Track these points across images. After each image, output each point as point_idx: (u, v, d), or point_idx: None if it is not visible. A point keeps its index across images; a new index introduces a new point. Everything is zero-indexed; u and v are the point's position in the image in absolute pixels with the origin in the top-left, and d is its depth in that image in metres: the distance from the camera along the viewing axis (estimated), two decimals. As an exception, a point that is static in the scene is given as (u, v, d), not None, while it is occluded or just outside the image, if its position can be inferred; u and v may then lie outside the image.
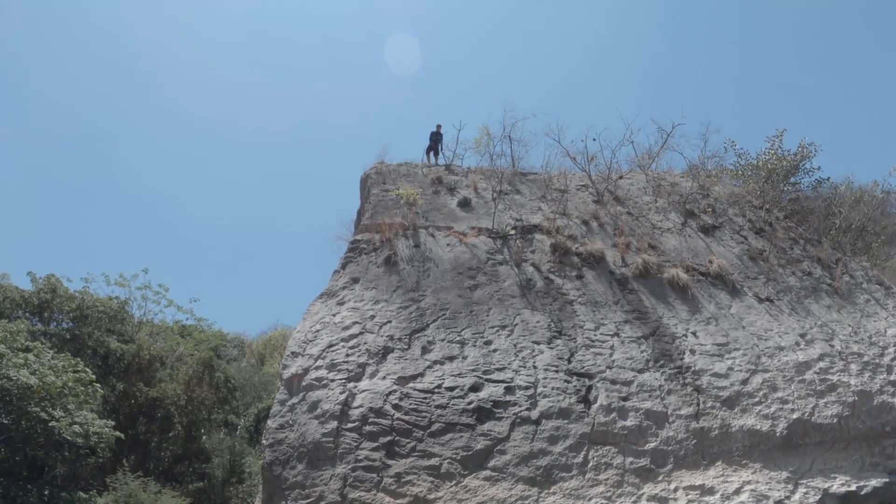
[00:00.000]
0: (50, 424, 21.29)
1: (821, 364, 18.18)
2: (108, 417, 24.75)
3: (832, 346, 18.99)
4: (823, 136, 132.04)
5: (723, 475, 14.90)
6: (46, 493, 22.19)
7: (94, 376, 24.31)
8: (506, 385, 15.78)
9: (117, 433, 23.69)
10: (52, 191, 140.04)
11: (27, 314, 29.76)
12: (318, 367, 15.93)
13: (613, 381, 16.42)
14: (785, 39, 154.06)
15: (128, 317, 35.44)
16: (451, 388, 15.47)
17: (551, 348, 17.12)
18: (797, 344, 18.80)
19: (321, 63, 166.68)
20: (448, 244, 20.44)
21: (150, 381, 31.51)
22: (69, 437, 21.62)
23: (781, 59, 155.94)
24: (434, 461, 14.09)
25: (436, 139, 27.58)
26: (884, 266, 29.85)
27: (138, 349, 31.75)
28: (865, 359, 18.80)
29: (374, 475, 13.75)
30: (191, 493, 28.66)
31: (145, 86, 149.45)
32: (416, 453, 14.18)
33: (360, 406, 14.85)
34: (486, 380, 15.85)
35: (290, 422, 15.01)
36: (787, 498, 14.57)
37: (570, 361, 16.87)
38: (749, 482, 14.77)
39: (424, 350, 16.51)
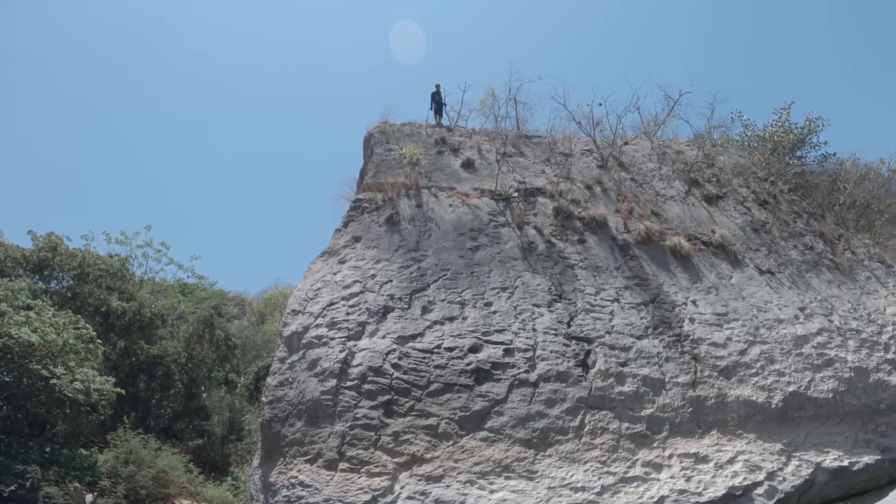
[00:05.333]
0: (51, 382, 21.36)
1: (819, 338, 18.19)
2: (108, 375, 24.81)
3: (831, 322, 18.99)
4: (831, 110, 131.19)
5: (717, 444, 14.97)
6: (48, 450, 22.34)
7: (94, 333, 24.36)
8: (505, 347, 15.82)
9: (118, 390, 23.78)
10: (51, 149, 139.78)
11: (28, 272, 29.78)
12: (318, 326, 15.99)
13: (612, 347, 16.46)
14: (796, 12, 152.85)
15: (129, 275, 35.49)
16: (450, 349, 15.52)
17: (551, 311, 17.14)
18: (796, 317, 18.81)
19: (326, 47, 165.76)
20: (450, 205, 20.40)
21: (150, 339, 31.61)
22: (70, 395, 21.69)
23: (792, 31, 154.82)
24: (432, 421, 14.16)
25: (437, 99, 27.44)
26: (886, 244, 29.75)
27: (139, 307, 31.80)
28: (863, 336, 18.80)
29: (373, 433, 13.84)
30: (191, 449, 28.90)
31: (153, 51, 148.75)
32: (414, 412, 14.26)
33: (360, 364, 14.91)
34: (486, 341, 15.89)
35: (290, 379, 15.10)
36: (780, 470, 14.63)
37: (569, 325, 16.90)
38: (743, 452, 14.83)
39: (424, 310, 16.54)
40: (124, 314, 31.09)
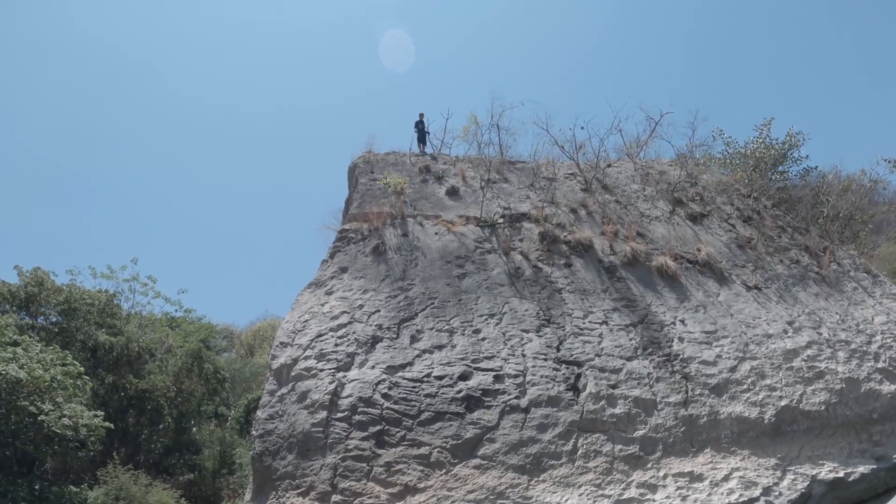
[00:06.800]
0: (39, 418, 21.15)
1: (808, 351, 18.26)
2: (97, 410, 24.58)
3: (820, 334, 19.07)
4: (811, 124, 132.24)
5: (711, 462, 14.95)
6: (37, 487, 22.09)
7: (82, 369, 24.14)
8: (495, 373, 15.78)
9: (107, 424, 23.56)
10: (35, 184, 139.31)
11: (14, 308, 29.53)
12: (307, 357, 15.92)
13: (602, 369, 16.45)
14: (773, 28, 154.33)
15: (116, 309, 35.25)
16: (440, 377, 15.48)
17: (540, 336, 17.13)
18: (785, 331, 18.87)
19: (315, 59, 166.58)
20: (436, 233, 20.43)
21: (139, 374, 31.35)
22: (59, 431, 21.46)
23: (770, 48, 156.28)
24: (424, 450, 14.08)
25: (420, 128, 27.62)
26: (871, 254, 30.01)
27: (127, 341, 31.55)
28: (853, 346, 18.88)
29: (364, 464, 13.73)
30: (181, 485, 28.60)
31: (133, 76, 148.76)
32: (405, 442, 14.17)
33: (350, 395, 14.83)
34: (475, 368, 15.86)
35: (280, 412, 14.99)
36: (776, 484, 14.63)
37: (558, 349, 16.89)
38: (737, 469, 14.82)
39: (413, 339, 16.51)
40: (112, 349, 30.85)
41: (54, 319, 30.58)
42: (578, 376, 16.23)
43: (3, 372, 20.42)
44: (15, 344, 22.89)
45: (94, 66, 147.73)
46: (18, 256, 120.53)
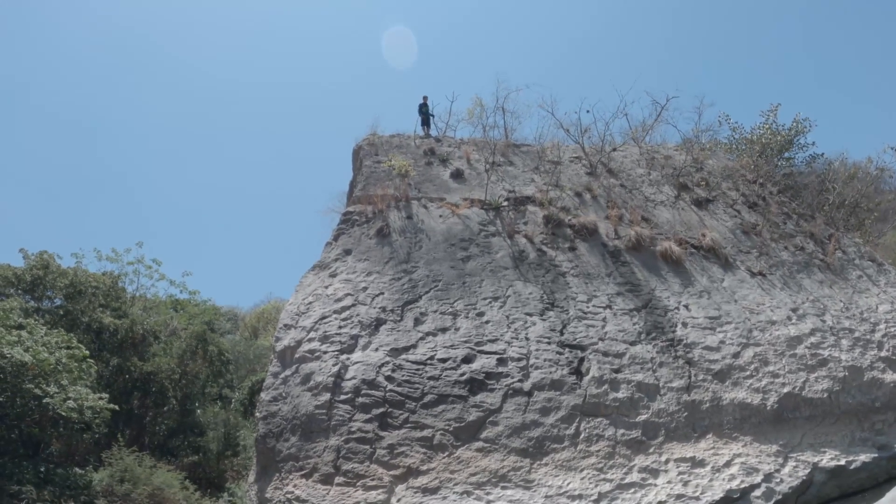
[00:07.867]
0: (44, 401, 21.16)
1: (812, 339, 18.22)
2: (102, 393, 24.61)
3: (824, 322, 19.02)
4: (818, 111, 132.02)
5: (713, 448, 14.96)
6: (42, 469, 22.12)
7: (87, 352, 24.14)
8: (498, 356, 15.80)
9: (112, 406, 23.60)
10: (40, 168, 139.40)
11: (20, 291, 29.54)
12: (310, 340, 15.94)
13: (605, 353, 16.46)
14: (781, 14, 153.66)
15: (121, 292, 35.25)
16: (443, 360, 15.50)
17: (544, 320, 17.14)
18: (789, 318, 18.84)
19: (320, 53, 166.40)
20: (440, 215, 20.42)
21: (143, 356, 31.38)
22: (64, 413, 21.49)
23: (777, 34, 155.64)
24: (427, 432, 14.12)
25: (424, 111, 27.58)
26: (876, 243, 29.95)
27: (132, 324, 31.57)
28: (857, 334, 18.84)
29: (368, 447, 13.78)
30: (186, 466, 28.65)
31: (142, 64, 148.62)
32: (408, 425, 14.21)
33: (353, 378, 14.86)
34: (479, 351, 15.88)
35: (284, 394, 15.03)
36: (777, 471, 14.63)
37: (562, 333, 16.88)
38: (739, 455, 14.83)
39: (417, 321, 16.52)
40: (117, 331, 30.86)
41: (59, 302, 30.59)
42: (582, 360, 16.24)
43: (9, 355, 20.45)
44: (20, 327, 22.90)
45: (101, 54, 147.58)
46: (24, 240, 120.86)
